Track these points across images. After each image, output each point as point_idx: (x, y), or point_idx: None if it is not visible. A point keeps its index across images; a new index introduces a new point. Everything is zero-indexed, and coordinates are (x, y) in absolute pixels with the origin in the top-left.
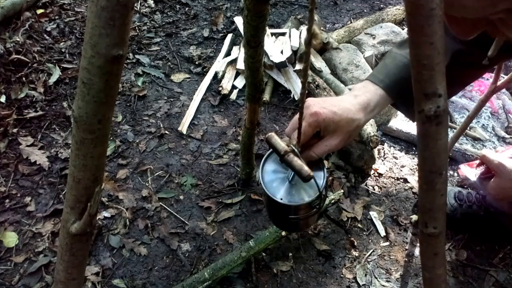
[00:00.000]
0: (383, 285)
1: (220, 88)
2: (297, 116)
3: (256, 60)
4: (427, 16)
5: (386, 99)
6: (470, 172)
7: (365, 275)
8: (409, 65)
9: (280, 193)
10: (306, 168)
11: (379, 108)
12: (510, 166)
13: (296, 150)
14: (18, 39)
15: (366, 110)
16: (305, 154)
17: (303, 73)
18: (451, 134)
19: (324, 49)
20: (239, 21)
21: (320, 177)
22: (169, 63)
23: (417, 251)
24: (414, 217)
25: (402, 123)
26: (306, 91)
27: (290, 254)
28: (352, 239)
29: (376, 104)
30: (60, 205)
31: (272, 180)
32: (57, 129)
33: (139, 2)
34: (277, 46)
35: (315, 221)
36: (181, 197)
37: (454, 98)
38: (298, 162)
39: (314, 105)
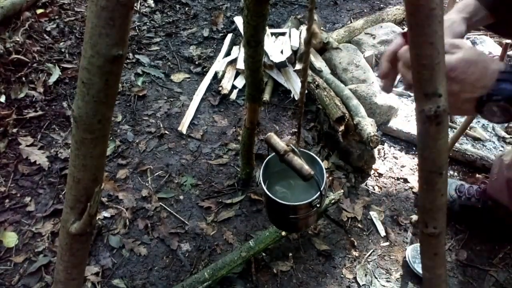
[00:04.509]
0: (383, 285)
1: (220, 88)
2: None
3: (256, 60)
4: (427, 16)
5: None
6: None
7: (365, 275)
8: None
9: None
10: (306, 167)
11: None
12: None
13: (295, 149)
14: (18, 39)
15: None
16: None
17: (302, 73)
18: (451, 134)
19: (324, 49)
20: (239, 21)
21: (321, 177)
22: (169, 63)
23: None
24: (414, 217)
25: (402, 123)
26: (306, 91)
27: (290, 254)
28: (352, 239)
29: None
30: (60, 205)
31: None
32: (57, 129)
33: (139, 2)
34: (277, 46)
35: (314, 221)
36: (181, 197)
37: None
38: (298, 161)
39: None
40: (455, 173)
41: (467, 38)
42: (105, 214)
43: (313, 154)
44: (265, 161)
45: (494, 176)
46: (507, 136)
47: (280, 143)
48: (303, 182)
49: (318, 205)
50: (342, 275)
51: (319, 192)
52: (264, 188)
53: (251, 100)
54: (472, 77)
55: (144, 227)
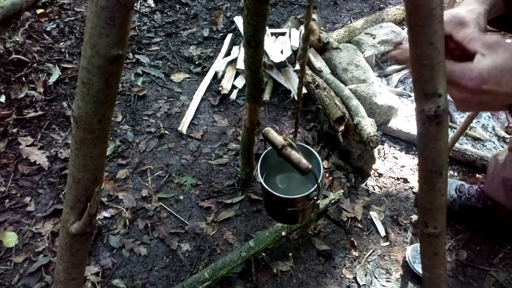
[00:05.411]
0: (383, 285)
1: (220, 88)
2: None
3: (256, 60)
4: (427, 16)
5: None
6: None
7: (365, 275)
8: None
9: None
10: (304, 161)
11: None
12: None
13: (293, 143)
14: (18, 39)
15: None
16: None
17: (300, 69)
18: (451, 134)
19: (324, 49)
20: (239, 21)
21: (317, 171)
22: (169, 63)
23: None
24: (414, 217)
25: (402, 123)
26: (306, 91)
27: (290, 254)
28: (352, 239)
29: None
30: (60, 205)
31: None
32: (57, 129)
33: (139, 2)
34: (277, 46)
35: (311, 214)
36: (181, 197)
37: None
38: (296, 155)
39: None
40: (455, 173)
41: None
42: (105, 214)
43: (309, 147)
44: (263, 154)
45: (490, 176)
46: (507, 136)
47: (278, 138)
48: (300, 175)
49: (315, 198)
50: (342, 275)
51: (316, 185)
52: (262, 181)
53: (251, 100)
54: (505, 87)
55: (144, 227)
